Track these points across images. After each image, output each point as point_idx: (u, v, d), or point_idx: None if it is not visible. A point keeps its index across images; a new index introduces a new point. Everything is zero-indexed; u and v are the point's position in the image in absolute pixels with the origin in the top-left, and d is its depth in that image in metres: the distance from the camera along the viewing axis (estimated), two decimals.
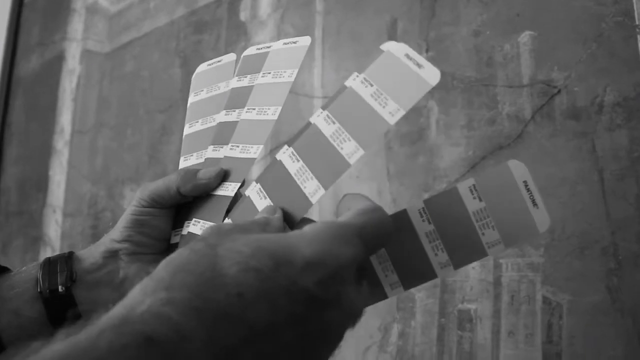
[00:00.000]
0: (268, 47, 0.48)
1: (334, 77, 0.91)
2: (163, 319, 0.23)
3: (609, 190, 0.61)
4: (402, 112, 0.37)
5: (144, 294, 0.25)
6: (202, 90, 0.51)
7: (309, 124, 0.41)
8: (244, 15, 1.07)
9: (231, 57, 0.52)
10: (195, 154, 0.48)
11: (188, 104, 0.51)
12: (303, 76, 0.95)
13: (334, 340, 0.29)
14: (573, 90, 0.65)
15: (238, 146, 0.45)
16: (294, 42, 0.47)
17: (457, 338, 0.70)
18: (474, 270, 0.70)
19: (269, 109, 0.45)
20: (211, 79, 0.51)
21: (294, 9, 0.99)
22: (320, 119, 0.41)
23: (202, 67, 0.53)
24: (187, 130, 0.50)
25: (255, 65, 0.48)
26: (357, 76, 0.40)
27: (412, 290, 0.75)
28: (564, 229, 0.64)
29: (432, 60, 0.76)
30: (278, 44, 0.48)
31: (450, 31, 0.76)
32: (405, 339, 0.74)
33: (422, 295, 0.74)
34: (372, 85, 0.39)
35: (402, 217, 0.39)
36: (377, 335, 0.77)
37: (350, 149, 0.38)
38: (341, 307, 0.28)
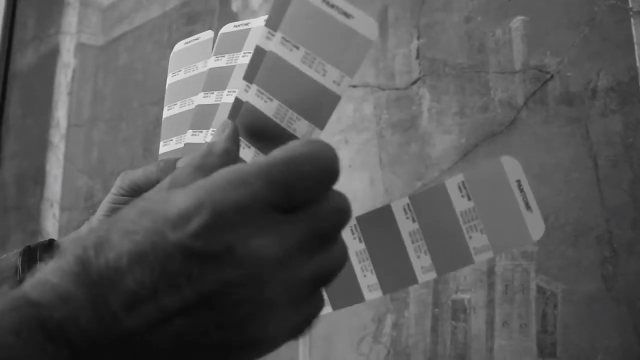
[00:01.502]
0: (246, 25, 0.46)
1: None
2: (45, 284, 0.24)
3: (603, 177, 0.60)
4: (348, 80, 0.32)
5: (48, 265, 0.25)
6: (180, 71, 0.49)
7: (240, 101, 0.35)
8: (235, 6, 1.06)
9: (209, 34, 0.49)
10: (174, 139, 0.47)
11: (166, 85, 0.49)
12: None
13: (248, 317, 0.25)
14: (566, 75, 0.64)
15: (201, 131, 0.44)
16: (246, 25, 0.46)
17: (451, 328, 0.69)
18: None
19: None
20: (189, 58, 0.49)
21: None
22: (252, 96, 0.35)
23: (179, 46, 0.51)
24: (166, 113, 0.48)
25: (233, 43, 0.46)
26: (271, 35, 0.34)
27: None
28: (557, 216, 0.63)
29: (424, 47, 0.75)
30: (258, 21, 0.46)
31: (442, 17, 0.75)
32: (399, 330, 0.74)
33: (415, 285, 0.73)
34: (297, 48, 0.33)
35: (386, 214, 0.36)
36: (370, 326, 0.77)
37: (304, 129, 0.34)
38: (237, 262, 0.24)
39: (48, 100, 1.55)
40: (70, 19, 1.54)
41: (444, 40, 0.75)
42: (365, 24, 0.31)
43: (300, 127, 0.34)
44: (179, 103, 0.47)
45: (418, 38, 0.77)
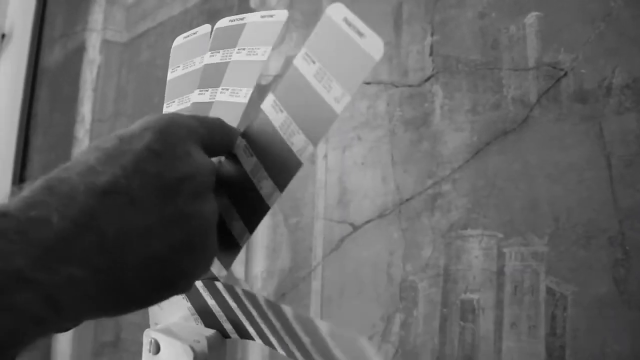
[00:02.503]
0: (242, 19, 0.46)
1: None
2: (16, 199, 0.26)
3: (617, 177, 0.59)
4: (347, 98, 0.33)
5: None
6: (179, 66, 0.49)
7: (260, 110, 0.38)
8: (254, 3, 1.06)
9: (206, 28, 0.49)
10: None
11: (167, 81, 0.49)
12: None
13: (198, 201, 0.31)
14: (580, 72, 0.62)
15: None
16: (271, 16, 0.45)
17: (459, 329, 0.68)
18: (477, 260, 0.68)
19: (240, 90, 0.43)
20: (187, 53, 0.49)
21: None
22: (268, 106, 0.37)
23: (178, 40, 0.51)
24: (165, 110, 0.48)
25: (228, 39, 0.45)
26: (301, 50, 0.36)
27: (415, 279, 0.73)
28: (569, 217, 0.61)
29: (437, 44, 0.74)
30: (254, 17, 0.45)
31: (456, 13, 0.74)
32: (408, 329, 0.73)
33: (424, 284, 0.72)
34: (314, 62, 0.35)
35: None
36: (379, 325, 0.76)
37: (300, 144, 0.35)
38: (184, 159, 0.31)
39: (74, 96, 1.58)
40: (97, 16, 1.56)
41: (457, 37, 0.73)
42: (373, 44, 0.32)
43: (298, 141, 0.35)
44: (176, 101, 0.47)
45: (432, 34, 0.76)
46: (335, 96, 0.33)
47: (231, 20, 0.46)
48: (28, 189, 0.27)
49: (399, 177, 0.77)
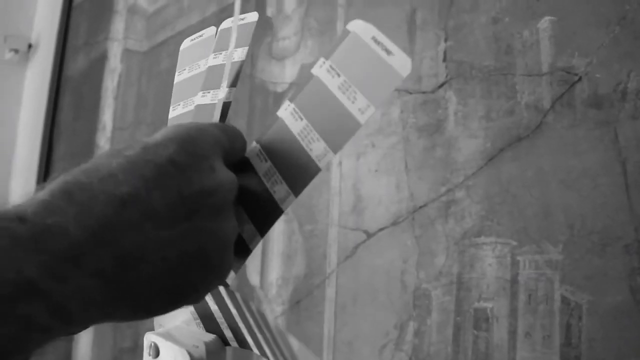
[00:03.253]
0: (242, 20, 0.46)
1: None
2: (34, 201, 0.25)
3: (633, 183, 0.57)
4: (372, 110, 0.34)
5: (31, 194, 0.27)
6: (185, 69, 0.49)
7: (277, 117, 0.38)
8: (270, 11, 1.07)
9: (211, 31, 0.49)
10: None
11: (173, 84, 0.49)
12: None
13: (218, 212, 0.31)
14: (595, 77, 0.61)
15: None
16: (241, 19, 0.45)
17: (473, 338, 0.67)
18: (490, 268, 0.67)
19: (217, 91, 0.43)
20: (193, 56, 0.49)
21: (318, 2, 0.98)
22: (287, 113, 0.38)
23: (185, 43, 0.51)
24: (171, 113, 0.48)
25: (230, 40, 0.46)
26: (324, 62, 0.37)
27: (429, 287, 0.72)
28: (584, 224, 0.60)
29: (451, 50, 0.73)
30: (253, 16, 0.46)
31: (469, 19, 0.73)
32: (421, 338, 0.72)
33: (438, 292, 0.71)
34: (339, 76, 0.36)
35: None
36: (393, 333, 0.75)
37: (319, 151, 0.36)
38: (207, 174, 0.30)
39: (96, 105, 1.60)
40: (118, 25, 1.59)
41: (471, 43, 0.73)
42: (401, 61, 0.33)
43: (318, 148, 0.36)
44: (182, 103, 0.47)
45: (445, 40, 0.76)
46: (360, 107, 0.34)
47: (233, 22, 0.46)
48: (48, 191, 0.26)
49: (413, 184, 0.77)
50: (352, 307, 0.82)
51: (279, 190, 0.36)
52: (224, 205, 0.31)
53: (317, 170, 0.36)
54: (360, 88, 0.35)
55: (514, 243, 0.65)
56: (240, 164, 0.38)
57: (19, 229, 0.24)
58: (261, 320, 0.38)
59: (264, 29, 1.07)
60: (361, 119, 0.34)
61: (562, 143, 0.63)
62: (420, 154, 0.76)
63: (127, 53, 1.53)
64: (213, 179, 0.30)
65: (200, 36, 0.49)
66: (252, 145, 0.38)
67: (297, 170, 0.36)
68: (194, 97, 0.46)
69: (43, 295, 0.23)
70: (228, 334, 0.41)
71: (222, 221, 0.31)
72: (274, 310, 0.94)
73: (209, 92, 0.44)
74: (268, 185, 0.37)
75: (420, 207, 0.75)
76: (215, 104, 0.43)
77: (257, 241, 0.37)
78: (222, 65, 0.44)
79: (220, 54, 0.45)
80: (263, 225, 0.37)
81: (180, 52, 0.50)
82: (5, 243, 0.23)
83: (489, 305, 0.66)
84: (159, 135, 0.31)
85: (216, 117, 0.41)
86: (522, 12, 0.68)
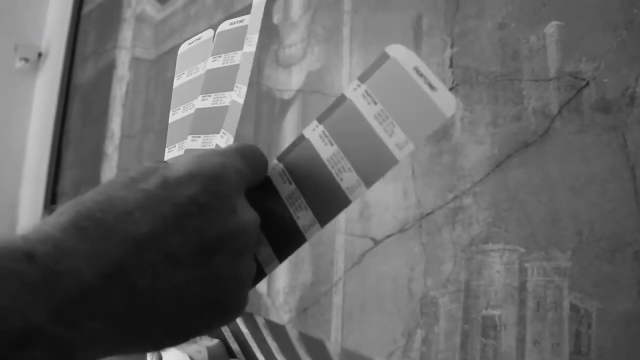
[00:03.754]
0: (241, 22, 0.46)
1: None
2: (45, 237, 0.23)
3: None
4: (410, 147, 0.32)
5: (40, 223, 0.25)
6: (184, 73, 0.49)
7: (302, 137, 0.36)
8: (276, 18, 1.07)
9: (209, 33, 0.49)
10: (177, 145, 0.46)
11: (173, 89, 0.49)
12: (331, 76, 0.94)
13: (238, 257, 0.29)
14: (602, 81, 0.60)
15: (199, 136, 0.44)
16: (240, 22, 0.45)
17: (481, 346, 0.66)
18: (498, 275, 0.66)
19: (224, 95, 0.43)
20: (192, 59, 0.49)
21: (324, 9, 0.98)
22: (315, 135, 0.35)
23: (183, 47, 0.51)
24: (171, 118, 0.48)
25: (228, 43, 0.45)
26: (359, 86, 0.35)
27: (436, 294, 0.72)
28: (592, 230, 0.59)
29: (457, 55, 0.73)
30: (224, 25, 0.46)
31: (475, 25, 0.73)
32: (429, 345, 0.71)
33: (445, 300, 0.71)
34: (375, 104, 0.34)
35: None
36: (400, 340, 0.75)
37: (350, 182, 0.33)
38: (229, 215, 0.29)
39: (104, 112, 1.61)
40: (126, 33, 1.60)
41: (477, 48, 0.73)
42: (445, 99, 0.32)
43: (349, 178, 0.33)
44: (181, 107, 0.47)
45: (451, 46, 0.76)
46: (398, 142, 0.32)
47: (231, 24, 0.46)
48: (59, 225, 0.24)
49: (420, 191, 0.76)
50: (359, 315, 0.82)
51: (304, 217, 0.34)
52: (244, 248, 0.30)
53: (347, 202, 0.34)
54: (399, 121, 0.33)
55: (522, 250, 0.64)
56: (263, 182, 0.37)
57: (29, 271, 0.22)
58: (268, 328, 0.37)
59: (270, 37, 1.07)
60: (398, 155, 0.32)
61: (569, 149, 0.62)
62: (427, 160, 0.76)
63: (135, 61, 1.54)
64: (235, 221, 0.29)
65: (199, 39, 0.49)
66: (274, 163, 0.36)
67: (325, 200, 0.34)
68: (194, 101, 0.46)
69: (50, 340, 0.22)
70: (235, 347, 0.40)
71: (240, 265, 0.30)
72: (281, 318, 0.93)
73: (209, 96, 0.44)
74: (291, 209, 0.35)
75: (427, 214, 0.75)
76: (217, 107, 0.43)
77: (274, 266, 0.36)
78: (222, 68, 0.44)
79: (220, 57, 0.45)
80: (283, 251, 0.35)
81: (178, 56, 0.50)
82: (14, 287, 0.22)
83: (497, 312, 0.66)
84: (180, 168, 0.29)
85: (233, 120, 0.41)
86: (528, 17, 0.68)
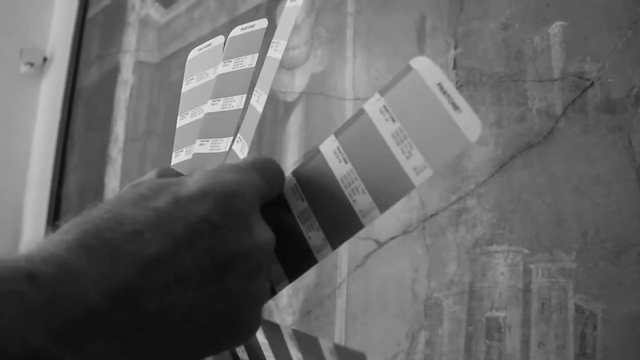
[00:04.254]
0: (252, 27, 0.46)
1: (365, 78, 0.89)
2: (49, 256, 0.22)
3: None
4: (429, 173, 0.29)
5: (45, 240, 0.24)
6: (193, 78, 0.49)
7: (318, 151, 0.34)
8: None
9: (219, 40, 0.48)
10: (184, 149, 0.46)
11: (181, 94, 0.49)
12: (334, 78, 0.94)
13: (252, 277, 0.28)
14: (607, 81, 0.60)
15: (208, 140, 0.44)
16: (252, 27, 0.45)
17: (485, 348, 0.66)
18: (502, 276, 0.66)
19: (233, 99, 0.43)
20: (201, 65, 0.49)
21: (327, 11, 0.98)
22: (329, 151, 0.33)
23: (193, 53, 0.51)
24: (179, 123, 0.48)
25: (239, 47, 0.45)
26: (378, 100, 0.32)
27: (440, 296, 0.71)
28: (597, 231, 0.59)
29: (460, 57, 0.73)
30: (262, 23, 0.45)
31: (479, 25, 0.73)
32: (432, 348, 0.71)
33: (449, 301, 0.70)
34: (394, 121, 0.31)
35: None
36: (404, 343, 0.74)
37: (364, 206, 0.31)
38: (244, 234, 0.27)
39: (108, 116, 1.62)
40: (130, 37, 1.60)
41: (481, 49, 0.72)
42: (469, 123, 0.28)
43: (362, 200, 0.31)
44: (190, 112, 0.47)
45: (455, 47, 0.75)
46: (415, 166, 0.30)
47: (242, 29, 0.46)
48: (64, 243, 0.23)
49: (424, 193, 0.76)
50: (362, 317, 0.81)
51: (315, 237, 0.33)
52: (259, 267, 0.28)
53: (360, 226, 0.31)
54: (418, 143, 0.30)
55: (526, 251, 0.64)
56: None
57: (30, 292, 0.21)
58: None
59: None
60: (416, 180, 0.29)
61: (574, 149, 0.62)
62: None
63: (139, 65, 1.54)
64: (250, 240, 0.28)
65: (209, 45, 0.49)
66: (288, 177, 0.34)
67: (337, 222, 0.32)
68: (203, 106, 0.45)
69: None
70: (243, 356, 0.40)
71: (254, 284, 0.28)
72: (285, 320, 0.93)
73: (219, 100, 0.44)
74: (303, 228, 0.33)
75: (431, 215, 0.75)
76: (225, 111, 0.43)
77: (283, 285, 0.34)
78: (233, 73, 0.44)
79: (230, 61, 0.45)
80: (293, 270, 0.34)
81: (187, 62, 0.50)
82: (13, 310, 0.20)
83: (501, 314, 0.65)
84: (193, 185, 0.27)
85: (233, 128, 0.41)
86: (532, 18, 0.67)
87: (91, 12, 1.88)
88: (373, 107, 0.32)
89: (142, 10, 1.57)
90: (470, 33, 0.74)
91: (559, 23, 0.65)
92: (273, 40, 0.43)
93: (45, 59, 2.13)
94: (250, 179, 0.29)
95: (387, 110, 0.31)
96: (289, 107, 1.02)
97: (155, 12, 1.51)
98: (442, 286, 0.72)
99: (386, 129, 0.31)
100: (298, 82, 1.01)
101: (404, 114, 0.31)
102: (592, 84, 0.61)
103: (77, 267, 0.22)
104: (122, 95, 1.58)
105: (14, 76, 2.10)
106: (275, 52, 0.43)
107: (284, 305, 0.94)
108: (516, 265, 0.65)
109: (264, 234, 0.29)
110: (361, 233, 0.83)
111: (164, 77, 1.41)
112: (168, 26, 1.44)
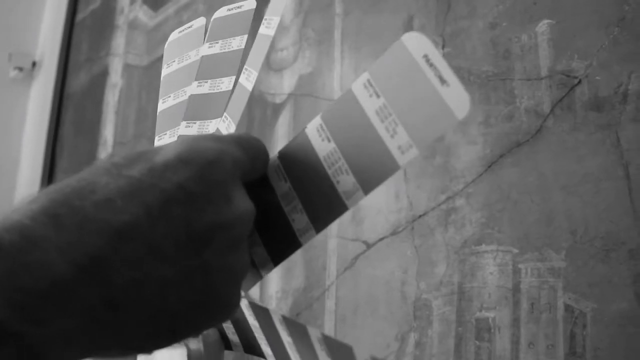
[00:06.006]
0: (239, 7, 0.45)
1: (353, 78, 0.88)
2: (12, 225, 0.21)
3: (636, 186, 0.56)
4: (414, 152, 0.28)
5: (11, 210, 0.23)
6: (174, 61, 0.48)
7: (303, 130, 0.32)
8: None
9: (201, 21, 0.48)
10: (168, 132, 0.45)
11: (161, 77, 0.48)
12: (322, 79, 0.93)
13: (232, 255, 0.26)
14: (595, 79, 0.60)
15: (195, 122, 0.43)
16: (239, 7, 0.44)
17: (475, 349, 0.65)
18: (492, 276, 0.65)
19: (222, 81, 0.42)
20: (182, 47, 0.48)
21: (315, 12, 0.97)
22: (313, 129, 0.31)
23: (173, 36, 0.49)
24: (161, 106, 0.46)
25: (226, 28, 0.44)
26: (363, 74, 0.30)
27: (429, 297, 0.71)
28: (587, 230, 0.58)
29: (448, 56, 0.72)
30: (250, 4, 0.44)
31: (466, 25, 0.73)
32: (422, 349, 0.70)
33: (439, 302, 0.70)
34: (378, 96, 0.29)
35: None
36: (394, 344, 0.74)
37: (347, 186, 0.29)
38: (222, 204, 0.26)
39: (97, 119, 1.61)
40: (119, 40, 1.60)
41: (468, 48, 0.72)
42: (457, 98, 0.26)
43: (346, 181, 0.30)
44: (172, 95, 0.46)
45: (443, 47, 0.75)
46: (400, 145, 0.28)
47: (229, 9, 0.45)
48: (30, 211, 0.22)
49: (412, 193, 0.76)
50: (352, 319, 0.80)
51: (299, 220, 0.31)
52: (238, 240, 0.27)
53: (344, 208, 0.30)
54: (403, 120, 0.28)
55: (516, 251, 0.64)
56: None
57: None
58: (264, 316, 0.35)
59: None
60: (400, 160, 0.28)
61: (563, 147, 0.61)
62: (419, 162, 0.75)
63: (127, 68, 1.53)
64: (228, 211, 0.26)
65: (190, 27, 0.48)
66: (272, 158, 0.33)
67: (320, 204, 0.31)
68: (187, 88, 0.44)
69: (15, 339, 0.20)
70: (234, 339, 0.39)
71: (233, 257, 0.27)
72: None
73: (206, 82, 0.43)
74: (286, 209, 0.32)
75: (420, 216, 0.74)
76: (214, 93, 0.42)
77: (269, 269, 0.33)
78: (220, 54, 0.43)
79: (217, 42, 0.44)
80: (277, 254, 0.33)
81: (167, 44, 0.49)
82: None
83: (490, 315, 0.65)
84: (169, 151, 0.26)
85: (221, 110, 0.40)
86: (520, 16, 0.67)
87: (80, 16, 1.87)
88: (357, 82, 0.30)
89: (131, 13, 1.56)
90: (458, 32, 0.74)
91: (546, 21, 0.65)
92: (265, 17, 0.42)
93: (34, 64, 2.12)
94: (232, 151, 0.28)
95: (370, 85, 0.29)
96: (277, 108, 1.01)
97: (143, 15, 1.50)
98: (431, 287, 0.71)
99: (370, 105, 0.29)
100: (286, 83, 1.00)
101: (389, 89, 0.29)
102: (580, 81, 0.61)
103: (41, 235, 0.21)
104: (111, 98, 1.57)
105: (3, 81, 2.09)
106: (268, 29, 0.42)
107: (273, 308, 0.93)
108: (505, 265, 0.64)
109: (243, 204, 0.27)
110: (350, 234, 0.83)
111: (153, 80, 1.40)
112: (157, 29, 1.43)
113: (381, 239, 0.78)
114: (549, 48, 0.64)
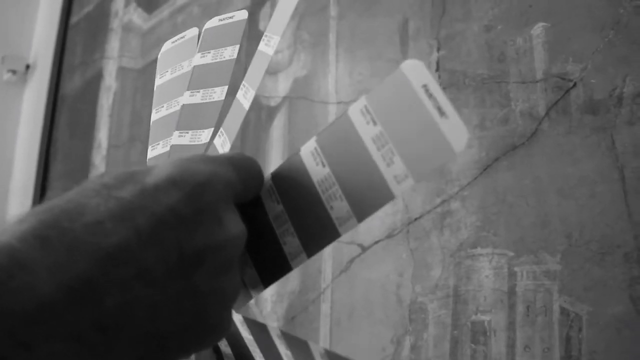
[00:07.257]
0: (231, 18, 0.45)
1: (348, 81, 0.88)
2: (1, 247, 0.21)
3: (631, 190, 0.56)
4: (410, 182, 0.27)
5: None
6: (167, 71, 0.48)
7: (297, 152, 0.32)
8: (263, 26, 1.07)
9: (193, 31, 0.48)
10: (161, 142, 0.45)
11: (154, 88, 0.48)
12: (317, 82, 0.93)
13: (223, 275, 0.26)
14: (590, 82, 0.60)
15: (187, 132, 0.43)
16: (230, 18, 0.44)
17: (471, 352, 0.65)
18: (487, 279, 0.65)
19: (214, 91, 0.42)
20: (175, 57, 0.48)
21: (310, 15, 0.97)
22: (307, 152, 0.31)
23: (166, 46, 0.50)
24: (154, 116, 0.47)
25: (218, 38, 0.44)
26: (361, 100, 0.30)
27: (425, 300, 0.71)
28: (582, 233, 0.58)
29: (443, 59, 0.72)
30: (242, 14, 0.44)
31: (462, 28, 0.73)
32: (418, 353, 0.70)
33: (434, 306, 0.70)
34: (375, 124, 0.29)
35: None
36: (389, 348, 0.73)
37: (341, 213, 0.29)
38: (213, 227, 0.26)
39: (91, 123, 1.60)
40: (113, 43, 1.59)
41: (464, 51, 0.72)
42: (456, 131, 0.26)
43: (340, 208, 0.29)
44: (165, 105, 0.46)
45: (438, 50, 0.75)
46: (396, 174, 0.27)
47: (220, 20, 0.45)
48: (19, 233, 0.21)
49: (408, 196, 0.75)
50: (347, 323, 0.80)
51: (290, 243, 0.31)
52: (229, 262, 0.27)
53: (336, 235, 0.29)
54: (400, 150, 0.28)
55: (511, 254, 0.63)
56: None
57: None
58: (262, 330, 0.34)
59: (257, 44, 1.07)
60: (396, 190, 0.27)
61: (558, 150, 0.61)
62: None
63: (122, 71, 1.53)
64: (220, 233, 0.26)
65: (182, 37, 0.48)
66: (266, 178, 0.33)
67: (313, 228, 0.30)
68: (179, 98, 0.44)
69: None
70: (227, 351, 0.38)
71: (224, 281, 0.27)
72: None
73: (198, 92, 0.43)
74: (278, 232, 0.31)
75: (415, 219, 0.74)
76: (206, 102, 0.42)
77: (259, 290, 0.33)
78: (213, 64, 0.43)
79: (209, 52, 0.44)
80: (267, 277, 0.32)
81: (160, 55, 0.49)
82: None
83: (486, 318, 0.64)
84: (161, 173, 0.26)
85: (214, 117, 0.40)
86: (515, 19, 0.67)
87: (74, 19, 1.86)
88: (354, 107, 0.30)
89: (125, 16, 1.55)
90: (453, 35, 0.74)
91: (541, 24, 0.65)
92: (265, 34, 0.42)
93: (28, 67, 2.11)
94: (225, 173, 0.28)
95: (368, 112, 0.29)
96: (272, 111, 1.01)
97: (138, 18, 1.50)
98: (426, 290, 0.71)
99: (367, 132, 0.29)
100: (281, 86, 1.00)
101: (386, 117, 0.29)
102: (575, 85, 0.61)
103: (30, 257, 0.21)
104: (106, 101, 1.57)
105: None
106: (267, 47, 0.42)
107: (268, 312, 0.93)
108: (501, 268, 0.64)
109: (234, 226, 0.27)
110: (345, 237, 0.82)
111: (148, 83, 1.40)
112: (151, 32, 1.43)
113: (377, 242, 0.78)
114: (544, 51, 0.64)
